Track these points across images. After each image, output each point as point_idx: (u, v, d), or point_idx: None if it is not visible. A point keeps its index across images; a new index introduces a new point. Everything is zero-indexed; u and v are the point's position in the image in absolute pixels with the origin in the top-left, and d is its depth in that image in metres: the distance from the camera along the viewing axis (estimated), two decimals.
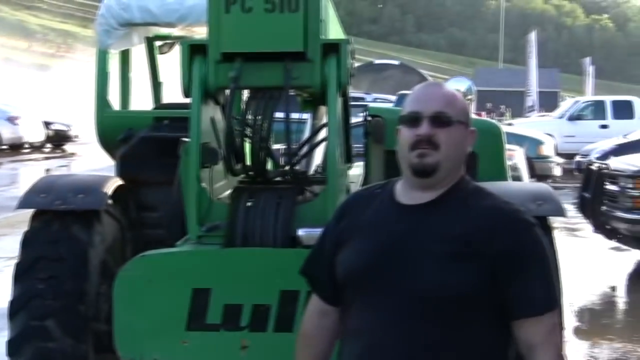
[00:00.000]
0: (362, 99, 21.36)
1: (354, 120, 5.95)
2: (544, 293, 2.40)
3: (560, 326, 2.48)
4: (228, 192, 4.51)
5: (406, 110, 2.49)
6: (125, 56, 6.56)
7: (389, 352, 2.37)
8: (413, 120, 2.46)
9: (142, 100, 7.06)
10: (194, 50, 4.23)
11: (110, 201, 5.15)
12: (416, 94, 2.54)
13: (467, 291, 2.33)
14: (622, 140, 18.53)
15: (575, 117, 27.39)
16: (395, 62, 38.67)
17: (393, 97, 24.49)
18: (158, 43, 6.90)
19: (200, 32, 6.04)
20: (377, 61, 39.72)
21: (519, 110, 42.68)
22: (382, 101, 23.96)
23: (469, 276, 2.33)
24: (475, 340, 2.37)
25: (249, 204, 4.17)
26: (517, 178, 13.02)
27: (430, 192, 2.47)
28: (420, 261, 2.37)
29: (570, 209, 14.24)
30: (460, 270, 2.34)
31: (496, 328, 2.40)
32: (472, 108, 33.76)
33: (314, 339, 2.69)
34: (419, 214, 2.45)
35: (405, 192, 2.50)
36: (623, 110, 26.62)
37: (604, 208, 10.48)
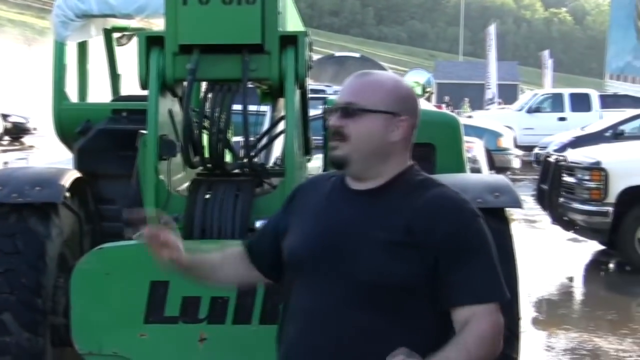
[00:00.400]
0: (323, 91, 21.37)
1: (313, 112, 5.96)
2: (486, 284, 2.38)
3: (506, 319, 2.42)
4: (186, 184, 4.50)
5: None
6: (82, 48, 6.51)
7: (325, 336, 2.38)
8: (331, 111, 2.49)
9: (100, 93, 7.01)
10: (151, 42, 4.21)
11: (68, 194, 5.11)
12: (343, 84, 2.54)
13: (405, 280, 2.33)
14: (579, 133, 18.76)
15: (534, 110, 27.63)
16: (356, 55, 38.65)
17: None
18: (116, 35, 6.86)
19: (159, 24, 6.00)
20: (338, 54, 39.70)
21: (479, 103, 42.90)
22: None
23: (408, 266, 2.33)
24: (411, 330, 2.36)
25: (207, 196, 4.17)
26: (477, 170, 13.13)
27: (370, 182, 2.47)
28: (361, 247, 2.37)
29: (528, 200, 14.40)
30: (400, 259, 2.33)
31: (434, 319, 2.39)
32: (432, 100, 33.93)
33: (228, 262, 2.74)
34: (365, 200, 2.45)
35: (353, 181, 2.51)
36: (581, 103, 26.89)
37: (561, 200, 10.59)
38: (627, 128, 17.31)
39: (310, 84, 4.65)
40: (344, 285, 2.37)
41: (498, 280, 2.41)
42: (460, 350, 2.30)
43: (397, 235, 2.35)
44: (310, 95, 5.07)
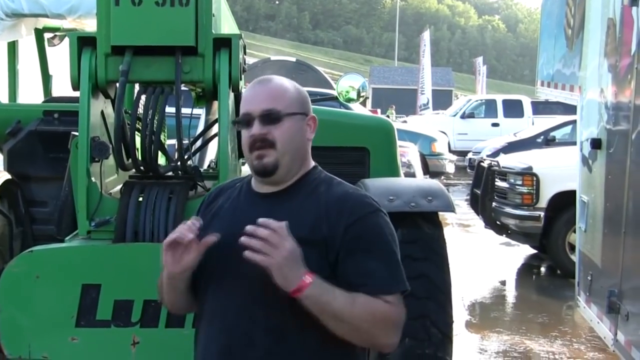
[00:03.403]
0: None
1: None
2: (386, 276, 2.40)
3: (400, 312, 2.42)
4: (119, 187, 4.45)
5: (240, 112, 2.54)
6: (13, 48, 6.41)
7: (237, 335, 2.42)
8: (246, 122, 2.50)
9: (31, 93, 6.91)
10: (83, 43, 4.16)
11: None
12: (246, 94, 2.56)
13: None
14: (512, 139, 19.01)
15: (467, 116, 27.95)
16: (292, 59, 38.70)
17: None
18: (48, 35, 6.76)
19: (91, 25, 5.94)
20: (274, 58, 39.70)
21: (414, 108, 43.22)
22: None
23: (310, 262, 2.35)
24: (316, 328, 2.37)
25: (139, 199, 4.13)
26: (411, 175, 13.23)
27: (278, 185, 2.53)
28: None
29: (462, 205, 14.57)
30: (305, 255, 2.34)
31: None
32: (368, 105, 34.08)
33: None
34: (271, 202, 2.51)
35: (259, 185, 2.57)
36: (513, 109, 27.27)
37: (494, 204, 10.73)
38: (558, 134, 17.57)
39: (246, 87, 4.63)
40: (253, 284, 2.40)
41: (397, 272, 2.44)
42: (346, 296, 2.32)
43: (301, 233, 2.37)
44: None
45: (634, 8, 5.07)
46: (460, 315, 8.01)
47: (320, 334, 2.38)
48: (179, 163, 4.35)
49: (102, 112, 4.33)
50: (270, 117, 2.48)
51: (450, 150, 21.07)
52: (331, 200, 2.46)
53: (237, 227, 2.44)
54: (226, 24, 5.03)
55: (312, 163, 2.61)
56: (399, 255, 2.48)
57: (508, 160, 11.12)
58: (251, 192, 2.57)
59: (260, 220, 2.30)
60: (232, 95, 4.32)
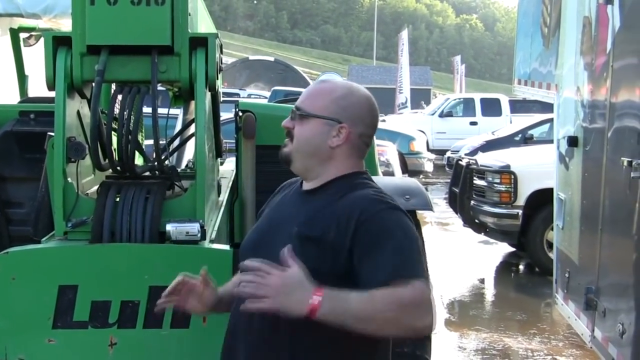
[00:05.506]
0: (236, 94, 21.38)
1: (225, 115, 5.93)
2: (401, 264, 2.32)
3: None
4: (96, 187, 4.42)
5: None
6: None
7: (253, 326, 2.48)
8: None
9: (7, 94, 6.87)
10: (59, 43, 4.13)
11: None
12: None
13: (316, 277, 2.29)
14: (490, 137, 19.07)
15: (446, 114, 28.04)
16: (270, 59, 38.70)
17: (267, 93, 24.56)
18: (23, 35, 6.72)
19: (67, 25, 5.91)
20: (252, 57, 39.73)
21: (392, 107, 43.27)
22: (257, 97, 23.98)
23: (324, 262, 2.38)
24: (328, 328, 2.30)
25: (116, 199, 4.10)
26: (390, 173, 13.25)
27: (312, 182, 2.62)
28: (283, 242, 2.39)
29: (440, 203, 14.60)
30: (311, 254, 2.38)
31: None
32: None
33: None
34: (303, 199, 2.60)
35: (305, 181, 2.68)
36: (491, 108, 27.40)
37: (472, 203, 10.76)
38: (535, 132, 17.63)
39: (224, 87, 4.62)
40: None
41: (414, 262, 2.35)
42: (363, 295, 2.25)
43: (315, 233, 2.43)
44: (222, 99, 5.03)
45: (609, 6, 5.10)
46: (439, 313, 8.02)
47: (337, 334, 2.32)
48: (156, 163, 4.33)
49: (78, 112, 4.31)
50: (297, 114, 2.60)
51: (428, 149, 21.14)
52: (344, 205, 2.47)
53: (271, 221, 2.62)
54: (203, 23, 5.01)
55: (353, 169, 2.61)
56: (416, 248, 2.39)
57: (486, 159, 11.15)
58: (298, 189, 2.68)
59: (245, 263, 2.32)
60: (208, 94, 4.31)
